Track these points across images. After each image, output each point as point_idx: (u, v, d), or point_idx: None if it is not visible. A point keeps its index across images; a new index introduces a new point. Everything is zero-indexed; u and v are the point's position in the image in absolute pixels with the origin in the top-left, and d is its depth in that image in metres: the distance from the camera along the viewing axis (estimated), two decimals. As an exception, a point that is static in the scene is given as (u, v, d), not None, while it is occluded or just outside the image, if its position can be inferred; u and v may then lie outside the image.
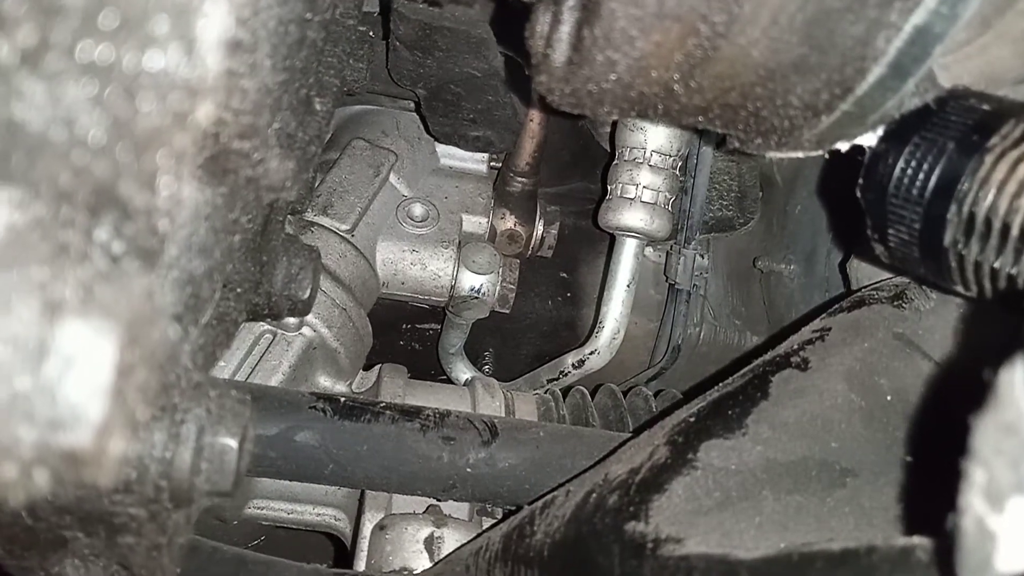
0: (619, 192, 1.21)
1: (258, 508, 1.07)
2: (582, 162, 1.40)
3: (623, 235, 1.23)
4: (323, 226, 1.17)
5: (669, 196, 1.21)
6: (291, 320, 1.07)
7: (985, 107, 0.54)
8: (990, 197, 0.50)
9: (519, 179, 1.28)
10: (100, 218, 0.30)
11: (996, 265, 0.51)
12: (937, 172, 0.54)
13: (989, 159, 0.51)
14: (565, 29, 0.49)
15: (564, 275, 1.46)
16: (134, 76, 0.30)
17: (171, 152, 0.31)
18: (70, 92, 0.30)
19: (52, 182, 0.29)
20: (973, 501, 0.29)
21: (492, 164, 1.34)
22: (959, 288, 0.57)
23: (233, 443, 0.52)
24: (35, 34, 0.31)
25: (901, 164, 0.56)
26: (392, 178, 1.26)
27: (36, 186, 0.29)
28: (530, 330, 1.46)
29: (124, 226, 0.31)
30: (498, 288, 1.27)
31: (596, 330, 1.24)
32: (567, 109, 0.55)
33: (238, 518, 1.06)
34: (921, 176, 0.55)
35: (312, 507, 1.08)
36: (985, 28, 0.57)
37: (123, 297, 0.29)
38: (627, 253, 1.23)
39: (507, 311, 1.30)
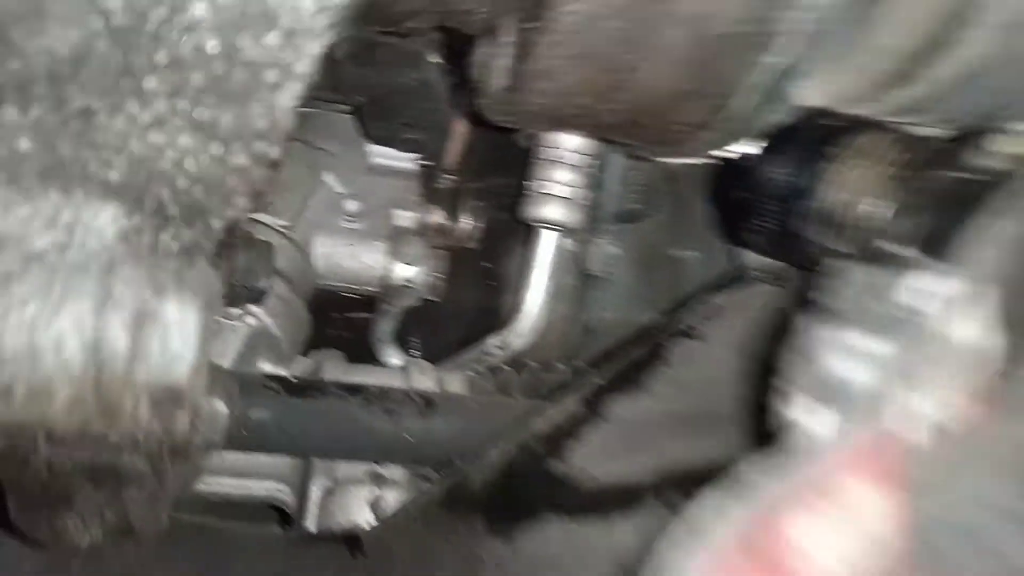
0: (538, 188, 1.32)
1: (206, 484, 1.13)
2: (505, 160, 1.50)
3: (542, 227, 1.34)
4: (264, 223, 1.25)
5: (584, 191, 1.33)
6: (234, 311, 1.14)
7: (831, 123, 0.68)
8: (832, 195, 0.64)
9: (447, 176, 1.38)
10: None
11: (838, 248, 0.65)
12: (797, 176, 0.68)
13: (834, 165, 0.65)
14: (503, 62, 0.59)
15: (488, 265, 1.56)
16: None
17: None
18: None
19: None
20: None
21: (422, 162, 1.43)
22: (817, 268, 0.70)
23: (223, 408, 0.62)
24: None
25: (769, 170, 0.69)
26: (327, 176, 1.34)
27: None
28: (456, 317, 1.54)
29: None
30: (427, 278, 1.36)
31: (516, 315, 1.35)
32: (503, 125, 0.65)
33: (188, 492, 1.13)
34: (785, 180, 0.68)
35: (258, 480, 1.15)
36: (838, 62, 0.71)
37: (202, 278, 0.39)
38: (545, 244, 1.34)
39: (436, 299, 1.39)
